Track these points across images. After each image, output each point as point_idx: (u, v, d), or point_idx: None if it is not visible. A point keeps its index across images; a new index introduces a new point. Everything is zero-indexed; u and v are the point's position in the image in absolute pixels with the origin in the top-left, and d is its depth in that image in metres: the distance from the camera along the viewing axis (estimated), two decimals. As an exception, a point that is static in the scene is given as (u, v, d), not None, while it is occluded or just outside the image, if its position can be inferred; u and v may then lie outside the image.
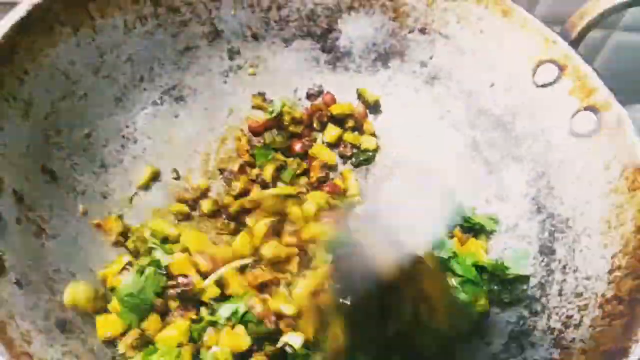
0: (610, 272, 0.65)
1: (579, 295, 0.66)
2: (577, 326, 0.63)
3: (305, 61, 0.96)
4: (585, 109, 0.76)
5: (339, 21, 0.95)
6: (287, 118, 0.91)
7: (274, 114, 0.90)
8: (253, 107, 0.93)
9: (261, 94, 0.94)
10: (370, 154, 0.94)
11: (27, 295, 0.55)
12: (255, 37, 0.94)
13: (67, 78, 0.74)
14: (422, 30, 0.92)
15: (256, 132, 0.91)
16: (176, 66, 0.88)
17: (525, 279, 0.72)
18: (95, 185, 0.75)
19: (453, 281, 0.71)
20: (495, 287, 0.73)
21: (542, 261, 0.74)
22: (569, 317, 0.65)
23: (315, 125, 0.94)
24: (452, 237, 0.78)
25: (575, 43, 0.82)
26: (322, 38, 0.96)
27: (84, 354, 0.57)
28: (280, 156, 0.90)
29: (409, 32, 0.93)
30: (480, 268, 0.74)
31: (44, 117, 0.70)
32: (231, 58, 0.93)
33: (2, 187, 0.60)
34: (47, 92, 0.71)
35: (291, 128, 0.91)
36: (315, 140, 0.94)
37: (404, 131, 0.95)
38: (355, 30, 0.95)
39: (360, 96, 0.96)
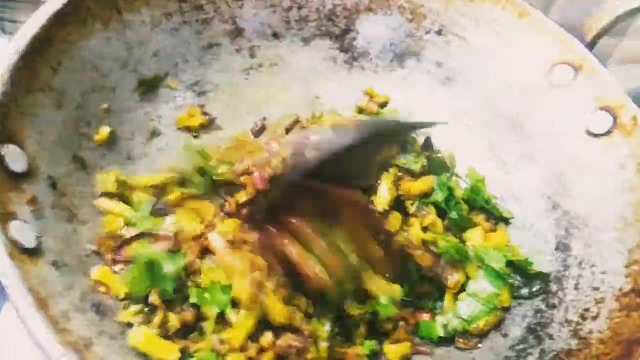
0: (627, 266, 0.66)
1: (595, 289, 0.68)
2: (594, 318, 0.64)
3: (323, 60, 0.98)
4: (601, 109, 0.78)
5: (356, 22, 0.97)
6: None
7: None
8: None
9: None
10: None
11: (63, 276, 0.57)
12: (275, 35, 0.96)
13: (96, 71, 0.76)
14: (439, 32, 0.94)
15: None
16: (199, 62, 0.90)
17: (545, 276, 0.74)
18: (123, 175, 0.77)
19: (481, 272, 0.72)
20: (517, 282, 0.75)
21: (559, 257, 0.76)
22: (586, 309, 0.66)
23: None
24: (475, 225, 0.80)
25: (590, 46, 0.84)
26: (340, 38, 0.98)
27: (117, 335, 0.58)
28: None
29: (426, 33, 0.95)
30: (508, 262, 0.75)
31: (74, 107, 0.72)
32: (252, 56, 0.95)
33: (38, 172, 0.62)
34: (78, 83, 0.72)
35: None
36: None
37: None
38: (372, 30, 0.98)
39: (369, 95, 0.97)
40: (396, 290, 0.68)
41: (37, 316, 0.47)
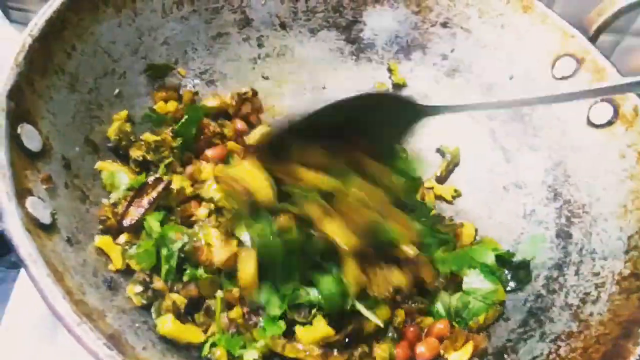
0: (626, 252, 0.68)
1: (596, 274, 0.69)
2: (594, 302, 0.66)
3: (330, 51, 1.00)
4: (602, 100, 0.80)
5: (363, 14, 0.99)
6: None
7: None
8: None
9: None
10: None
11: (77, 252, 0.58)
12: (283, 26, 0.97)
13: (109, 56, 0.77)
14: (444, 24, 0.96)
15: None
16: (208, 51, 0.92)
17: (527, 264, 0.76)
18: (132, 160, 0.78)
19: (473, 271, 0.74)
20: (504, 275, 0.77)
21: (559, 244, 0.77)
22: (587, 293, 0.68)
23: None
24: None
25: (592, 39, 0.85)
26: (347, 29, 0.99)
27: (129, 310, 0.60)
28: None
29: (431, 25, 0.97)
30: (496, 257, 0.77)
31: (87, 91, 0.73)
32: (260, 46, 0.96)
33: (52, 152, 0.64)
34: (91, 68, 0.74)
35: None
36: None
37: (423, 121, 0.98)
38: (379, 22, 0.99)
39: (391, 72, 0.99)
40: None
41: (55, 287, 0.48)
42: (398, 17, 0.98)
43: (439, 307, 0.74)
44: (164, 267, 0.65)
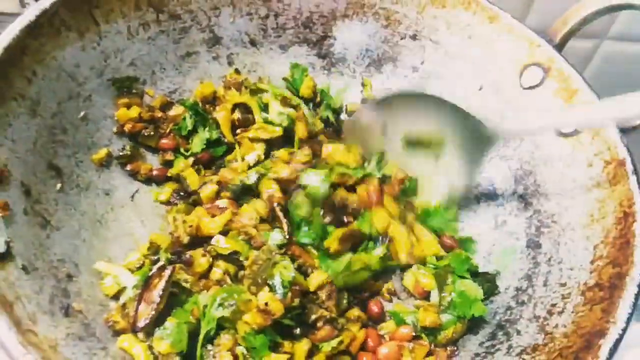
0: (592, 261, 0.67)
1: (563, 284, 0.69)
2: (560, 313, 0.65)
3: (301, 67, 1.00)
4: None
5: (333, 28, 0.99)
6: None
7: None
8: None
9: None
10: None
11: (33, 280, 0.58)
12: (253, 43, 0.98)
13: (73, 80, 0.77)
14: (414, 37, 0.96)
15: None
16: (177, 71, 0.92)
17: (490, 276, 0.76)
18: (99, 183, 0.78)
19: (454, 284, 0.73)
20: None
21: (529, 254, 0.77)
22: (554, 305, 0.67)
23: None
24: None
25: (559, 47, 0.85)
26: (317, 44, 1.00)
27: (86, 337, 0.59)
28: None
29: (401, 38, 0.97)
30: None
31: (50, 116, 0.73)
32: (230, 63, 0.97)
33: (10, 179, 0.64)
34: (53, 92, 0.74)
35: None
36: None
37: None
38: (349, 37, 0.99)
39: (363, 87, 1.00)
40: None
41: (1, 317, 0.48)
42: (368, 30, 0.99)
43: (409, 320, 0.73)
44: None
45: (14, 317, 0.50)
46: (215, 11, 0.93)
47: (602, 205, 0.71)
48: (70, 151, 0.76)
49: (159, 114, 0.87)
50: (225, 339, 0.62)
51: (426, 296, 0.76)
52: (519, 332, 0.68)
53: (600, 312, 0.60)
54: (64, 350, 0.53)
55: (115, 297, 0.68)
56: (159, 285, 0.64)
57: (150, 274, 0.65)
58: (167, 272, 0.65)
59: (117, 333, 0.64)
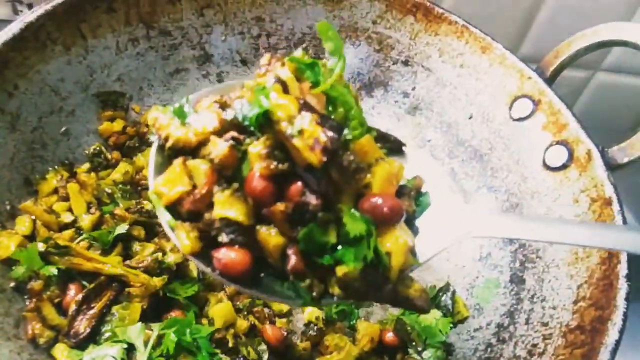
0: (575, 302, 0.66)
1: (545, 324, 0.67)
2: (540, 354, 0.64)
3: (292, 88, 0.99)
4: (558, 143, 0.79)
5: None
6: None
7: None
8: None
9: None
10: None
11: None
12: (244, 62, 0.97)
13: (56, 94, 0.76)
14: (406, 62, 0.96)
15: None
16: (165, 87, 0.91)
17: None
18: (77, 199, 0.76)
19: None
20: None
21: (512, 290, 0.76)
22: (534, 345, 0.66)
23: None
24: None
25: (550, 80, 0.85)
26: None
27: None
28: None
29: (393, 63, 0.97)
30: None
31: (30, 130, 0.72)
32: (220, 82, 0.96)
33: (-18, 196, 0.62)
34: (35, 106, 0.73)
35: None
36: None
37: (385, 158, 0.97)
38: (341, 59, 0.99)
39: None
40: None
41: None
42: (360, 54, 0.98)
43: None
44: None
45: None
46: (207, 29, 0.92)
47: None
48: (50, 167, 0.74)
49: (145, 129, 0.86)
50: None
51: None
52: (498, 372, 0.66)
53: (581, 357, 0.58)
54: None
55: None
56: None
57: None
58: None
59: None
